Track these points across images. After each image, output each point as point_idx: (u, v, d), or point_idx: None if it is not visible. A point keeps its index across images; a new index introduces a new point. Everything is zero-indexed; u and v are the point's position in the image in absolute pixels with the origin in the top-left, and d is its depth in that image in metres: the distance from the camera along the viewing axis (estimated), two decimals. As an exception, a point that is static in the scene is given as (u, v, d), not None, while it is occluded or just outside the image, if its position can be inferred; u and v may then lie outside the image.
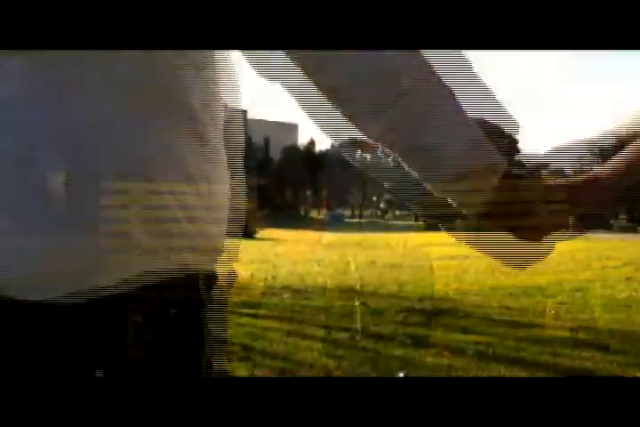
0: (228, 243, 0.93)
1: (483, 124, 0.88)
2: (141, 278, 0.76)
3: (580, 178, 0.86)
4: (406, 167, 0.84)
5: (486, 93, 0.91)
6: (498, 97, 0.93)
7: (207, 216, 0.84)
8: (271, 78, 0.98)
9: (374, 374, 3.53)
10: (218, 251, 0.89)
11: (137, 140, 0.75)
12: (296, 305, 5.96)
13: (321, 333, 4.62)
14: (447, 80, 0.86)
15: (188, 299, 0.83)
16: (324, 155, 79.37)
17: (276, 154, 77.04)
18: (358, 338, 4.44)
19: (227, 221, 0.95)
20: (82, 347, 0.81)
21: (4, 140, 0.72)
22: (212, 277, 0.88)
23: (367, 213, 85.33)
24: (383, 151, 0.91)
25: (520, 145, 1.06)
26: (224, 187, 0.95)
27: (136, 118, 0.76)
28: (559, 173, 0.96)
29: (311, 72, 0.88)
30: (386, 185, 0.97)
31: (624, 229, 42.68)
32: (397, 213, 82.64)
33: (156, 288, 0.77)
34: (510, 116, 0.97)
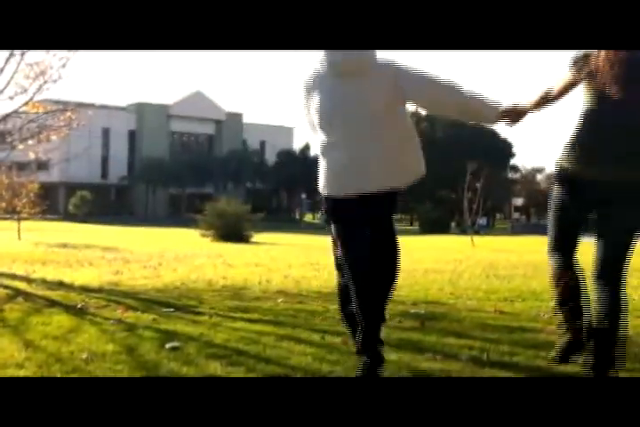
0: None
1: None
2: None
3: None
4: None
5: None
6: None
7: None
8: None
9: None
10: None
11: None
12: (290, 309, 5.94)
13: (315, 337, 4.61)
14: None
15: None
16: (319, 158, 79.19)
17: (271, 157, 76.95)
18: (352, 343, 4.44)
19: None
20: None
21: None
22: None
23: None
24: None
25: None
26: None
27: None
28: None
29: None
30: None
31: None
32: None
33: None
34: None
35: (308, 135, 3.13)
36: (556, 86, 3.31)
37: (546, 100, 3.36)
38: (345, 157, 3.32)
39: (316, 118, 3.40)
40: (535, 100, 3.39)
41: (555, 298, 3.51)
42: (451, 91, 3.24)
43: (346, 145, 3.30)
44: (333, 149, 3.38)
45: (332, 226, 3.43)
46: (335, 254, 3.53)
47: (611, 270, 3.23)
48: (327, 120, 3.35)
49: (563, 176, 3.25)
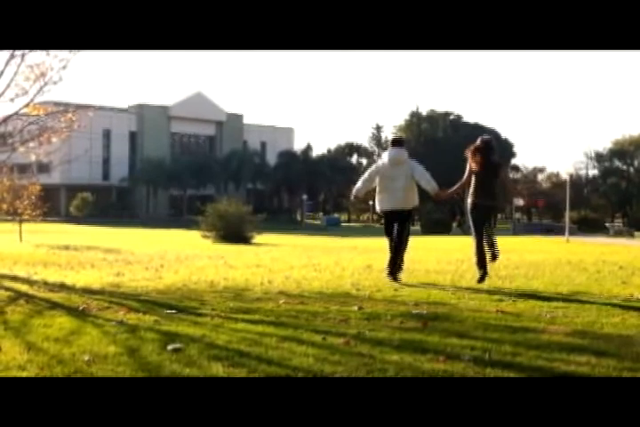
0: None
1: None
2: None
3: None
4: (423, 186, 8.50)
5: None
6: None
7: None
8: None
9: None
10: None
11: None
12: (292, 310, 5.94)
13: (317, 338, 4.61)
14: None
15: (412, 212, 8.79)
16: (320, 159, 79.33)
17: (272, 158, 76.98)
18: (354, 343, 4.43)
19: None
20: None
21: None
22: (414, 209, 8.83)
23: (364, 217, 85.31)
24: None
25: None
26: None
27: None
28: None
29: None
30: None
31: (620, 234, 42.81)
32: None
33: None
34: None
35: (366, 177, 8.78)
36: (466, 175, 8.09)
37: (462, 187, 8.29)
38: (391, 196, 8.41)
39: (381, 181, 8.48)
40: (457, 188, 8.43)
41: (475, 241, 8.13)
42: (424, 177, 8.37)
43: (391, 191, 8.41)
44: (385, 192, 8.45)
45: (384, 220, 8.75)
46: (386, 230, 8.66)
47: (482, 222, 8.06)
48: (385, 181, 8.43)
49: (472, 203, 8.06)
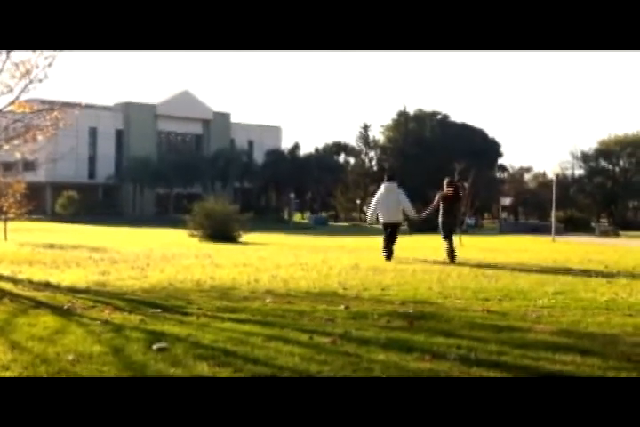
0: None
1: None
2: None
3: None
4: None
5: None
6: None
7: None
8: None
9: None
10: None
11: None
12: (278, 309, 5.93)
13: (303, 337, 4.60)
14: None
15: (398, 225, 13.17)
16: (307, 158, 79.26)
17: (259, 157, 76.80)
18: (340, 343, 4.43)
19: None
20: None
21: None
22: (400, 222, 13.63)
23: (350, 216, 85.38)
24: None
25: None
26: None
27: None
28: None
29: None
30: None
31: (606, 233, 43.06)
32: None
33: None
34: None
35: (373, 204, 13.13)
36: (436, 201, 12.80)
37: (435, 209, 12.93)
38: (385, 214, 12.76)
39: (378, 204, 12.81)
40: (428, 211, 13.35)
41: (446, 243, 12.47)
42: (406, 205, 12.88)
43: (385, 211, 12.76)
44: (382, 211, 12.76)
45: (383, 227, 12.93)
46: (384, 230, 12.89)
47: (450, 232, 12.80)
48: (382, 204, 12.76)
49: (442, 220, 12.71)
